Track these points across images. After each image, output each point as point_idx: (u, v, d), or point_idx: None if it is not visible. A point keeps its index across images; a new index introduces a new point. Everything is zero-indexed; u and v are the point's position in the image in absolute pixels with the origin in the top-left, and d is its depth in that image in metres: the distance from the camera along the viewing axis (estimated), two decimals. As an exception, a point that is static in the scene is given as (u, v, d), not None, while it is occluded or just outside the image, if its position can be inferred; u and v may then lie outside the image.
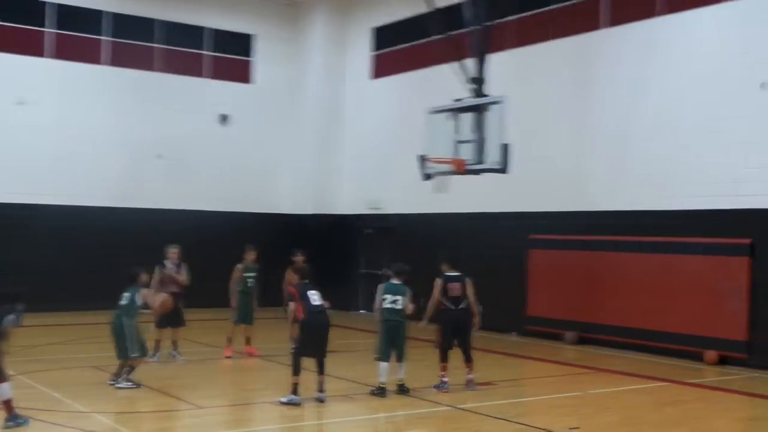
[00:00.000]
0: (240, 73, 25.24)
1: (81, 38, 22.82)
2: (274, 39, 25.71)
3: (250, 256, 15.32)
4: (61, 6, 22.43)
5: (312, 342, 11.07)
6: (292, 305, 11.20)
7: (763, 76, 15.03)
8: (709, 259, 15.48)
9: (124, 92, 23.19)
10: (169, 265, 14.60)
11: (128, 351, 11.73)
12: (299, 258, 15.03)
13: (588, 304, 17.62)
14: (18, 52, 21.87)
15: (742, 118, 15.29)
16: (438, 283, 12.31)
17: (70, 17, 22.56)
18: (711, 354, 15.21)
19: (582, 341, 17.61)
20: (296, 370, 10.91)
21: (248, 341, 15.22)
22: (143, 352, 12.06)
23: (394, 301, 11.78)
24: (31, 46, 22.09)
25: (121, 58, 23.25)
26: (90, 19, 22.83)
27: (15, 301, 9.83)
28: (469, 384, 12.21)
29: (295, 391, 10.88)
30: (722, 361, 15.11)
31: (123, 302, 11.95)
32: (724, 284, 15.22)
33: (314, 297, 11.20)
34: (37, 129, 21.81)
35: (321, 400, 11.04)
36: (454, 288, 12.23)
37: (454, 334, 12.25)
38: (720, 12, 15.93)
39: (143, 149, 23.23)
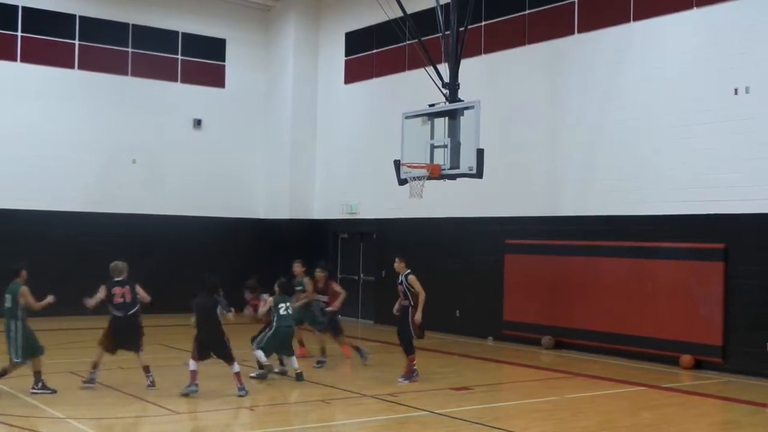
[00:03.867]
0: (213, 77, 25.13)
1: (54, 42, 22.60)
2: (246, 43, 25.64)
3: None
4: (33, 10, 22.20)
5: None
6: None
7: (734, 81, 15.17)
8: (684, 264, 15.59)
9: (98, 97, 23.00)
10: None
11: (13, 356, 11.48)
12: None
13: (564, 308, 17.69)
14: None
15: (714, 123, 15.43)
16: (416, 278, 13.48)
17: (43, 21, 22.33)
18: (686, 358, 15.31)
19: (558, 346, 17.67)
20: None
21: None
22: (26, 356, 11.54)
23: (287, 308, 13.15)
24: (4, 51, 21.84)
25: (94, 63, 23.05)
26: (63, 23, 22.62)
27: (214, 290, 11.84)
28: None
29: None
30: (698, 365, 15.21)
31: (7, 304, 11.53)
32: (699, 289, 15.33)
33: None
34: (9, 133, 21.59)
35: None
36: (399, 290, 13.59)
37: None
38: (691, 18, 16.06)
39: (117, 154, 23.10)
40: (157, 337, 18.00)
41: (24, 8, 22.10)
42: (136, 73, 23.75)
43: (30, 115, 21.97)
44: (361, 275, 23.63)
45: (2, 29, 21.92)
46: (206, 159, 24.59)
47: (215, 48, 25.19)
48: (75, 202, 22.39)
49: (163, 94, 24.08)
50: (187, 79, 24.61)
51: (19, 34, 22.09)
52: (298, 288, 14.69)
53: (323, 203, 24.86)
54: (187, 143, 24.35)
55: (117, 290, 12.05)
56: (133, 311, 12.07)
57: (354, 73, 24.28)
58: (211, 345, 11.73)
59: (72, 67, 22.80)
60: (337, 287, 15.35)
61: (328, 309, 14.93)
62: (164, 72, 24.24)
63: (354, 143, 23.81)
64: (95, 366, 12.09)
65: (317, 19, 25.42)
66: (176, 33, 24.47)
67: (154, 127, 23.76)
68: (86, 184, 22.63)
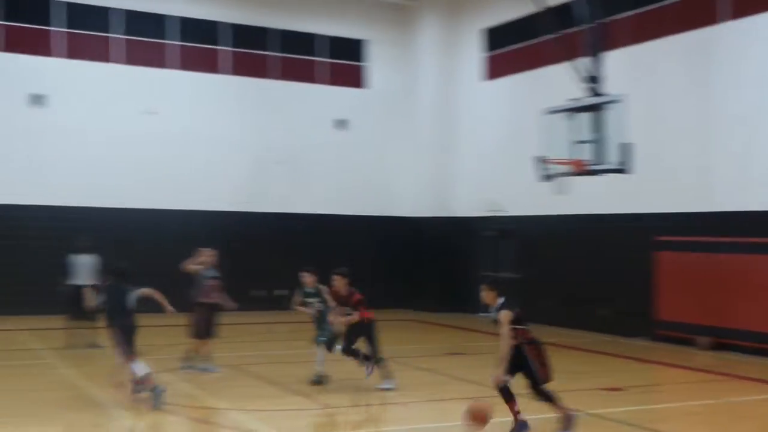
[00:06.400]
0: (354, 78, 25.61)
1: (203, 49, 23.63)
2: (386, 43, 25.98)
3: None
4: (184, 19, 23.31)
5: None
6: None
7: None
8: None
9: (245, 100, 23.93)
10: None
11: None
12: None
13: (721, 307, 16.94)
14: (145, 64, 22.88)
15: None
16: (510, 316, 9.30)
17: (192, 30, 23.42)
18: None
19: (716, 347, 16.94)
20: None
21: None
22: None
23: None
24: (157, 58, 23.03)
25: (241, 67, 23.98)
26: (210, 30, 23.63)
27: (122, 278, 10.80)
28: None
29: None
30: None
31: None
32: None
33: None
34: (163, 138, 22.74)
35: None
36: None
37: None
38: None
39: (264, 155, 23.95)
40: (302, 333, 18.54)
41: (176, 18, 23.22)
42: (282, 77, 24.51)
43: (182, 120, 23.07)
44: (505, 273, 23.47)
45: (156, 38, 23.08)
46: (350, 158, 25.12)
47: (358, 49, 25.66)
48: (226, 202, 23.33)
49: (307, 96, 24.75)
50: (331, 80, 25.20)
51: (172, 42, 23.18)
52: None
53: (466, 201, 24.83)
54: (331, 143, 24.93)
55: None
56: None
57: (493, 69, 24.17)
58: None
59: (221, 72, 23.73)
60: None
61: None
62: (308, 74, 24.91)
63: (495, 140, 23.70)
64: None
65: (456, 16, 25.45)
66: (319, 36, 25.07)
67: (299, 129, 24.49)
68: (236, 184, 23.56)
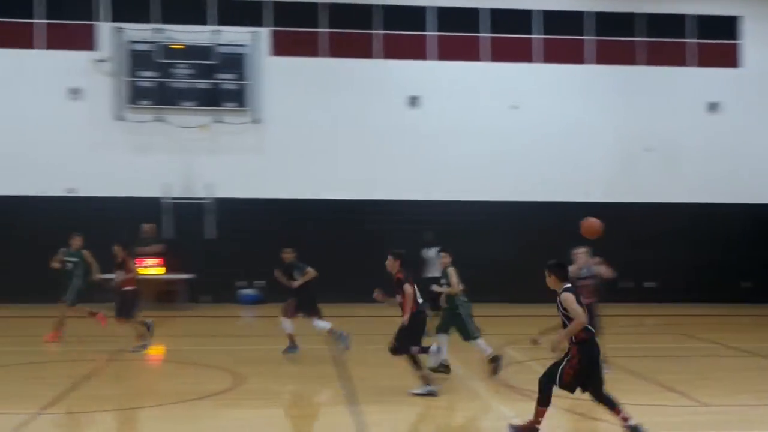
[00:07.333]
0: (726, 58, 24.26)
1: (567, 40, 23.86)
2: (762, 18, 24.27)
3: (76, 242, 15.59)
4: (548, 12, 23.72)
5: None
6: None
7: None
8: None
9: (610, 89, 23.77)
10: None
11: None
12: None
13: None
14: (511, 59, 23.68)
15: None
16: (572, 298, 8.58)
17: (556, 22, 23.75)
18: None
19: None
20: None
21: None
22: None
23: None
24: (523, 53, 23.68)
25: (606, 56, 23.87)
26: (574, 21, 23.80)
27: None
28: None
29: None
30: None
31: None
32: None
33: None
34: (530, 131, 23.35)
35: None
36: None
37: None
38: None
39: (631, 143, 23.66)
40: (673, 327, 18.08)
41: (545, 12, 23.68)
42: (649, 62, 24.00)
43: (550, 112, 23.45)
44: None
45: (527, 34, 23.74)
46: (722, 143, 23.93)
47: (729, 27, 24.30)
48: (591, 193, 23.22)
49: (673, 79, 24.00)
50: (701, 62, 24.16)
51: (543, 36, 23.71)
52: None
53: None
54: (702, 128, 23.94)
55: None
56: None
57: None
58: None
59: (588, 62, 23.83)
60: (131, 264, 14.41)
61: (125, 289, 14.11)
62: (676, 57, 24.13)
63: None
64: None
65: None
66: (688, 16, 24.15)
67: (667, 114, 23.86)
68: (602, 174, 23.52)
